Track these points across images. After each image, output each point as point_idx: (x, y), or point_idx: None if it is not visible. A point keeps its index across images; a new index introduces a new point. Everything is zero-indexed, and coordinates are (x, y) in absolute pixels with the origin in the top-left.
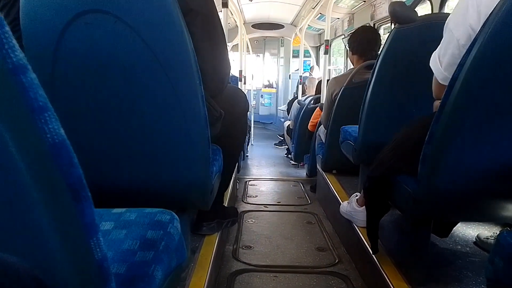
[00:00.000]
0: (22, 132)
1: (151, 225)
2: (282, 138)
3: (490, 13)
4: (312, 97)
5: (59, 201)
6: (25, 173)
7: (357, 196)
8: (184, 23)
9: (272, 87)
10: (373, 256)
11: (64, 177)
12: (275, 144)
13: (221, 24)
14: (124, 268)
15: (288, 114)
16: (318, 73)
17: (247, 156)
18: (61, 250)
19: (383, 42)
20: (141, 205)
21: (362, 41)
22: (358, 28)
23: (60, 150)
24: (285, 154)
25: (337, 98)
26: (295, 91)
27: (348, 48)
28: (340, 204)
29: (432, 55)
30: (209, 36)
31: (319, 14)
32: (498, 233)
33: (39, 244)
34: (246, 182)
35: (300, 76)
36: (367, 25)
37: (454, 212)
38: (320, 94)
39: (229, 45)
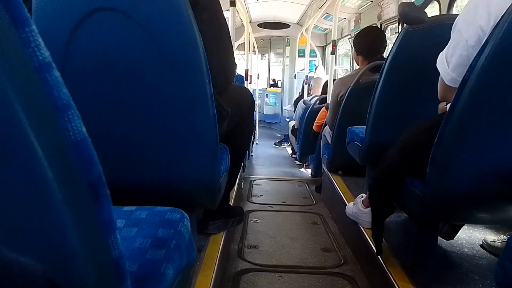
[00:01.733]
0: (45, 129)
1: (162, 223)
2: (283, 137)
3: (503, 15)
4: (317, 97)
5: (79, 198)
6: (48, 170)
7: (362, 197)
8: (195, 21)
9: (277, 87)
10: (379, 257)
11: (85, 174)
12: (274, 144)
13: (226, 21)
14: (136, 266)
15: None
16: (322, 73)
17: (252, 155)
18: (79, 248)
19: (389, 43)
20: (149, 203)
21: (367, 42)
22: (364, 29)
23: (81, 148)
24: (291, 154)
25: (344, 99)
26: (300, 91)
27: (353, 49)
28: (345, 204)
29: (439, 56)
30: (215, 32)
31: (326, 14)
32: (505, 236)
33: (56, 242)
34: (251, 181)
35: (306, 76)
36: (374, 25)
37: (462, 214)
38: (326, 94)
39: (235, 44)
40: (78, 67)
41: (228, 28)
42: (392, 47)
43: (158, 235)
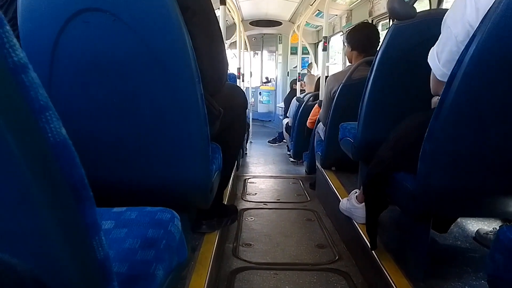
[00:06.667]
0: (23, 132)
1: (152, 223)
2: (277, 135)
3: (489, 9)
4: (310, 94)
5: (61, 200)
6: (28, 173)
7: (356, 192)
8: (183, 21)
9: (271, 84)
10: (373, 252)
11: (66, 176)
12: (268, 141)
13: (218, 22)
14: (125, 267)
15: (286, 111)
16: (316, 71)
17: (246, 153)
18: (63, 250)
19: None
20: (141, 203)
21: (362, 37)
22: (359, 24)
23: (61, 150)
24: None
25: (336, 95)
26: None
27: (346, 45)
28: (339, 200)
29: (430, 51)
30: (207, 35)
31: (317, 11)
32: (497, 228)
33: (41, 244)
34: (246, 179)
35: (299, 73)
36: (366, 21)
37: (453, 208)
38: (319, 91)
39: (227, 43)
40: (67, 67)
41: (220, 31)
42: (381, 43)
43: (147, 236)
